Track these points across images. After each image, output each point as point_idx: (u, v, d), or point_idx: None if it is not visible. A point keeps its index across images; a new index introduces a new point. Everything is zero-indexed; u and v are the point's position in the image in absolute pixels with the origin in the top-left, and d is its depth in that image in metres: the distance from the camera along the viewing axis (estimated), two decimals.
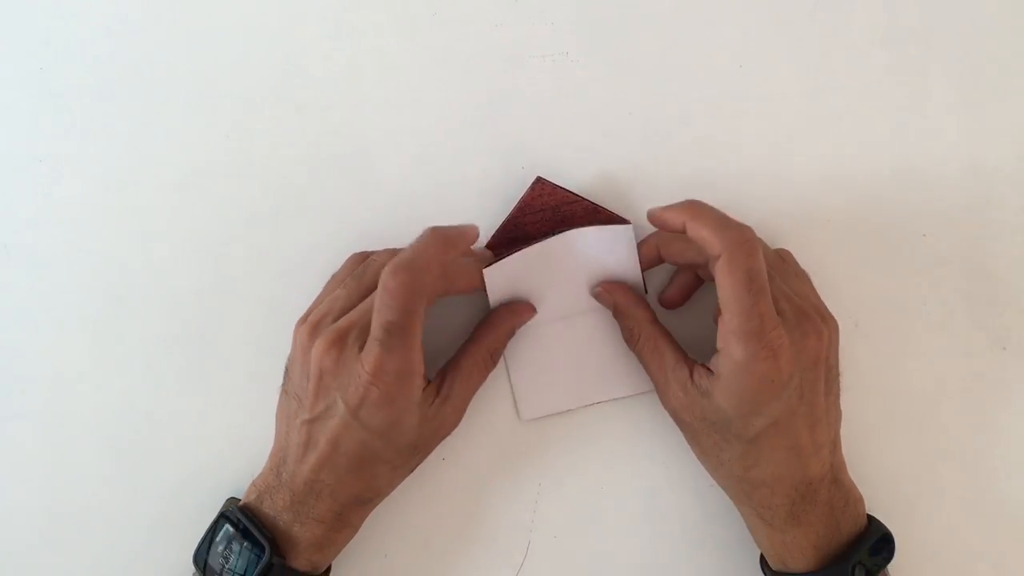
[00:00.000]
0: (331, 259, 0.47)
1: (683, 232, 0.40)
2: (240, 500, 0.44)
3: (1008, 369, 0.48)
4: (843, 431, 0.44)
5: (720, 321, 0.40)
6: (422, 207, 0.48)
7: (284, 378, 0.44)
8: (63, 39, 0.48)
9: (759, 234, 0.47)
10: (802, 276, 0.46)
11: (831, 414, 0.43)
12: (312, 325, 0.42)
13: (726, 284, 0.38)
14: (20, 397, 0.47)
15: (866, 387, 0.47)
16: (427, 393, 0.42)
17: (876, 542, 0.42)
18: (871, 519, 0.43)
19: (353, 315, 0.42)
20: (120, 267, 0.48)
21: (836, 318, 0.43)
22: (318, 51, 0.48)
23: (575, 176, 0.48)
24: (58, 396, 0.47)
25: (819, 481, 0.42)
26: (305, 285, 0.47)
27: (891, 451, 0.47)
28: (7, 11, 0.48)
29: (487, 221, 0.47)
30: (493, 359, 0.45)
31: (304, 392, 0.41)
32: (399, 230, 0.48)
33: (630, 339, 0.45)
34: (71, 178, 0.48)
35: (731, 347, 0.39)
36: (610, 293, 0.45)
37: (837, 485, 0.42)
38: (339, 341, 0.40)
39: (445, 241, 0.41)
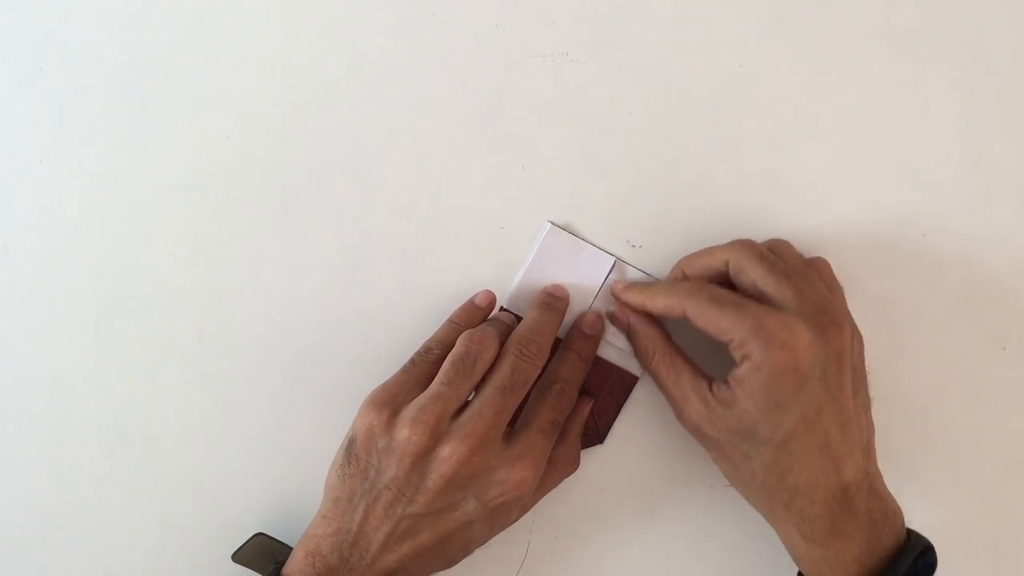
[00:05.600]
0: (331, 259, 0.47)
1: (647, 311, 0.45)
2: (266, 534, 0.45)
3: (1008, 369, 0.48)
4: None
5: (728, 345, 0.41)
6: (422, 207, 0.48)
7: (351, 460, 0.41)
8: (63, 39, 0.48)
9: (759, 237, 0.47)
10: (832, 287, 0.45)
11: (861, 418, 0.42)
12: (427, 426, 0.40)
13: (705, 321, 0.41)
14: (20, 397, 0.47)
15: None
16: None
17: (919, 555, 0.41)
18: (910, 532, 0.43)
19: (487, 415, 0.41)
20: (120, 267, 0.48)
21: None
22: (318, 51, 0.48)
23: (574, 177, 0.48)
24: (58, 396, 0.47)
25: (855, 488, 0.41)
26: (305, 284, 0.47)
27: (891, 451, 0.47)
28: (7, 11, 0.48)
29: (486, 221, 0.47)
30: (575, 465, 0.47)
31: (409, 487, 0.40)
32: (399, 230, 0.48)
33: (645, 357, 0.45)
34: (71, 178, 0.48)
35: (743, 351, 0.40)
36: (625, 314, 0.46)
37: (875, 495, 0.42)
38: (481, 447, 0.40)
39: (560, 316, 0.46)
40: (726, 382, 0.41)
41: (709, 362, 0.44)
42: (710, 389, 0.42)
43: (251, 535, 0.44)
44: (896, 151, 0.48)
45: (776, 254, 0.44)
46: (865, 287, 0.47)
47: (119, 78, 0.48)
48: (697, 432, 0.43)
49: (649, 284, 0.45)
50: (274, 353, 0.47)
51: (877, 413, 0.44)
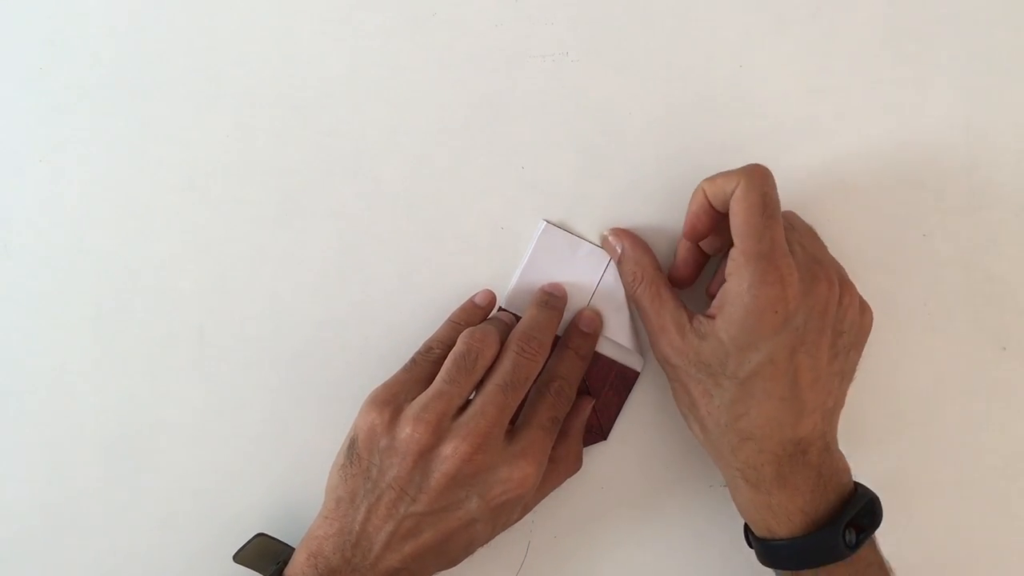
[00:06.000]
0: (331, 259, 0.47)
1: (709, 206, 0.42)
2: (267, 534, 0.44)
3: (1008, 369, 0.48)
4: (842, 431, 0.44)
5: (731, 253, 0.41)
6: (422, 207, 0.48)
7: (352, 460, 0.41)
8: (63, 39, 0.48)
9: None
10: (817, 238, 0.46)
11: (832, 383, 0.42)
12: (430, 424, 0.40)
13: (740, 210, 0.40)
14: (20, 397, 0.47)
15: (866, 387, 0.47)
16: None
17: (864, 506, 0.42)
18: (857, 485, 0.43)
19: (490, 412, 0.41)
20: (121, 267, 0.48)
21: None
22: (318, 51, 0.48)
23: (574, 177, 0.48)
24: (58, 396, 0.47)
25: (808, 444, 0.41)
26: (305, 284, 0.47)
27: (891, 451, 0.47)
28: (7, 11, 0.48)
29: (486, 221, 0.47)
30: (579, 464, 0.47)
31: (412, 485, 0.40)
32: (399, 230, 0.48)
33: (632, 283, 0.45)
34: (71, 178, 0.48)
35: (740, 270, 0.40)
36: (618, 238, 0.46)
37: (827, 453, 0.42)
38: (484, 445, 0.40)
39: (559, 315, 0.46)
40: (707, 315, 0.42)
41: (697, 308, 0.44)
42: (690, 320, 0.42)
43: (252, 535, 0.44)
44: (896, 151, 0.48)
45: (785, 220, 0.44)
46: (865, 287, 0.47)
47: (119, 78, 0.48)
48: (666, 363, 0.44)
49: None
50: (274, 353, 0.47)
51: (877, 412, 0.44)
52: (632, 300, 0.45)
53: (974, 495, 0.48)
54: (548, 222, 0.47)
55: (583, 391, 0.47)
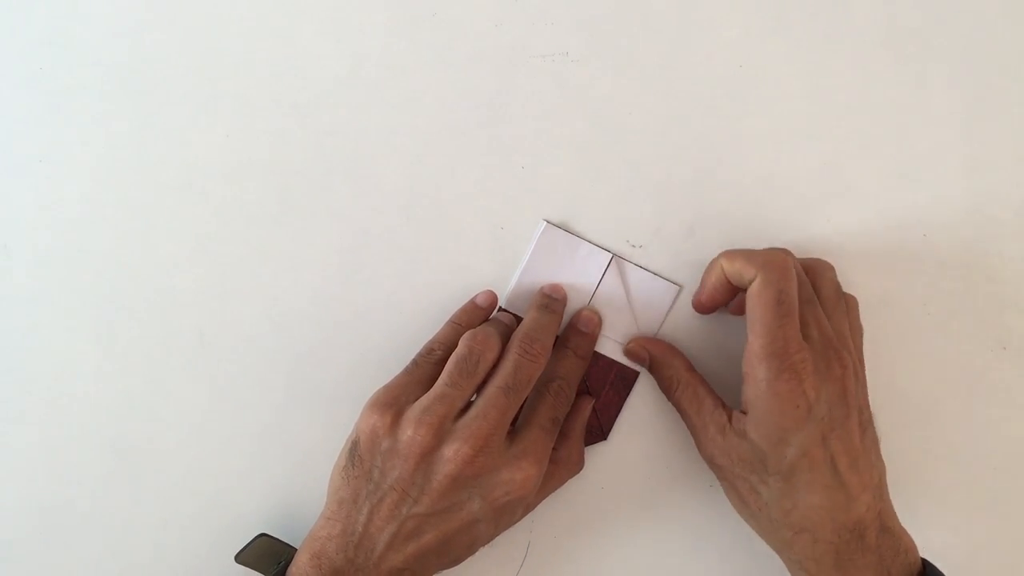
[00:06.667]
0: (331, 259, 0.47)
1: (727, 281, 0.42)
2: (269, 535, 0.44)
3: (1008, 369, 0.48)
4: None
5: (746, 347, 0.40)
6: (422, 207, 0.48)
7: (354, 462, 0.41)
8: (63, 39, 0.48)
9: (760, 235, 0.47)
10: (854, 328, 0.45)
11: (870, 457, 0.42)
12: (432, 426, 0.40)
13: (756, 305, 0.40)
14: (20, 397, 0.47)
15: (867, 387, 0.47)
16: None
17: None
18: (926, 564, 0.42)
19: (491, 415, 0.41)
20: (120, 267, 0.48)
21: None
22: (318, 51, 0.48)
23: (574, 177, 0.48)
24: (58, 396, 0.47)
25: (864, 527, 0.40)
26: (305, 284, 0.47)
27: (891, 451, 0.47)
28: (7, 11, 0.48)
29: (486, 221, 0.47)
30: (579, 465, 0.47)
31: (414, 487, 0.40)
32: (399, 230, 0.48)
33: (669, 388, 0.45)
34: (71, 178, 0.48)
35: (755, 370, 0.40)
36: (643, 347, 0.46)
37: (886, 533, 0.41)
38: (485, 447, 0.40)
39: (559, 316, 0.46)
40: (742, 411, 0.42)
41: (731, 395, 0.44)
42: (729, 420, 0.42)
43: (254, 536, 0.44)
44: (896, 151, 0.48)
45: (812, 274, 0.44)
46: (865, 287, 0.47)
47: (119, 78, 0.48)
48: (711, 462, 0.44)
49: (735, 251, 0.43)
50: (275, 353, 0.47)
51: (876, 413, 0.44)
52: (672, 403, 0.46)
53: (974, 495, 0.48)
54: (548, 222, 0.47)
55: (583, 391, 0.47)
